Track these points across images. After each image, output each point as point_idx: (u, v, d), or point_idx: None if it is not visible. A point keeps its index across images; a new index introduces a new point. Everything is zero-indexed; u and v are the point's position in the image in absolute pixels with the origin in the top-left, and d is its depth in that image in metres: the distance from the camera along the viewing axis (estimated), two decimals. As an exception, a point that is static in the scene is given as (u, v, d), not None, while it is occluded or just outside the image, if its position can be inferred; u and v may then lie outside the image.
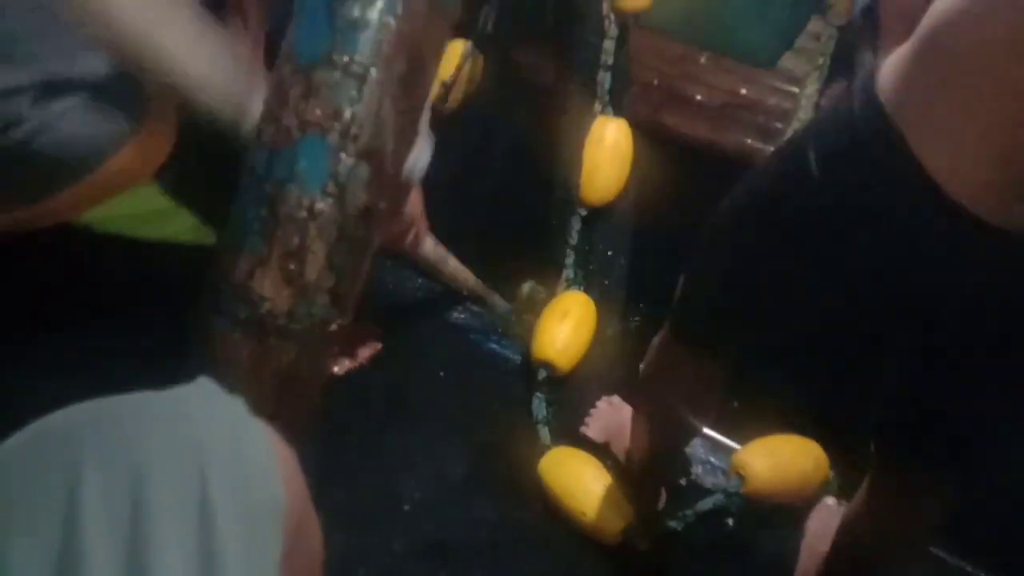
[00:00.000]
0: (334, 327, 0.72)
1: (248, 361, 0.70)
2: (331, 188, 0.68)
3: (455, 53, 1.57)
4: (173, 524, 0.39)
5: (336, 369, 1.40)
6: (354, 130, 0.67)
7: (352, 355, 1.45)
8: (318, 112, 0.66)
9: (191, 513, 0.40)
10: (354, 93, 0.66)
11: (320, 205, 0.67)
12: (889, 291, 0.80)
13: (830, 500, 1.45)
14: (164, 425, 0.42)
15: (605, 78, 1.48)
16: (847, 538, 1.13)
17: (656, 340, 1.15)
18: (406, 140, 0.71)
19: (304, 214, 0.67)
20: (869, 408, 0.97)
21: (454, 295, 1.62)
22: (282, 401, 0.72)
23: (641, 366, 1.21)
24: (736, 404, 1.49)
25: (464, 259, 1.68)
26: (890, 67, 0.73)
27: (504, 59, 1.61)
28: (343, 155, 0.67)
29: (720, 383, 1.13)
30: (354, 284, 0.73)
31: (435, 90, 1.56)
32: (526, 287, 1.64)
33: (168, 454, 0.41)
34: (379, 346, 1.49)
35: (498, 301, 1.61)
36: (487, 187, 1.65)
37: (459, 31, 1.54)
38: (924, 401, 0.89)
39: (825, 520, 1.42)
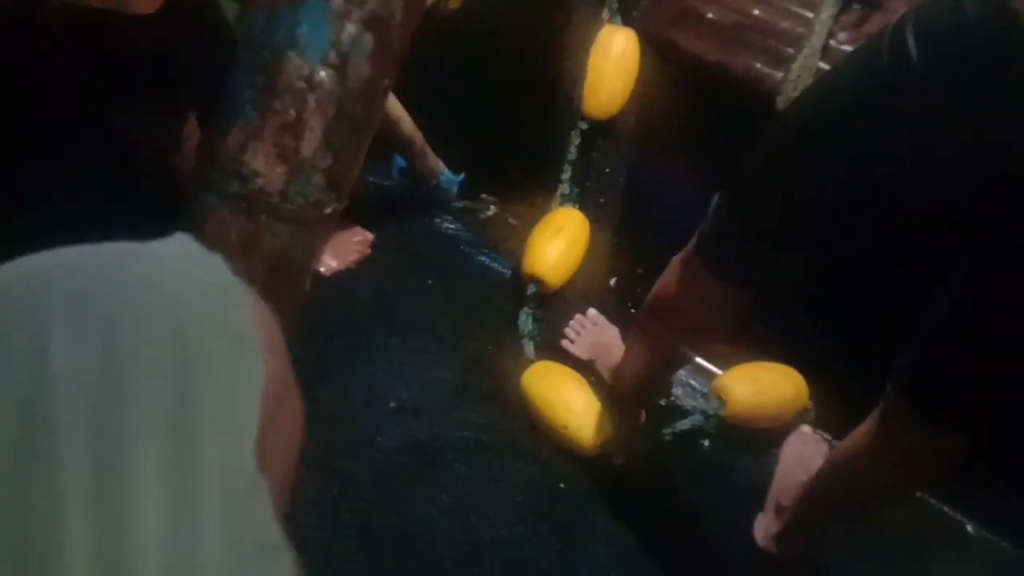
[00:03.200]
0: (328, 211, 0.69)
1: (237, 240, 0.67)
2: (333, 58, 0.63)
3: (458, -53, 1.49)
4: (147, 384, 0.37)
5: (323, 270, 1.37)
6: (360, -4, 0.63)
7: (341, 257, 1.43)
8: (327, -27, 0.62)
9: (165, 374, 0.37)
10: (362, -45, 0.62)
11: (320, 75, 0.63)
12: (993, 184, 0.75)
13: (806, 428, 1.47)
14: (139, 278, 0.39)
15: (614, -15, 1.42)
16: (835, 477, 1.12)
17: (676, 261, 1.06)
18: (414, 11, 0.67)
19: (303, 84, 0.63)
20: (885, 354, 0.94)
21: (445, 201, 1.59)
22: (270, 285, 0.70)
23: (657, 282, 1.14)
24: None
25: (460, 167, 1.64)
26: None
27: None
28: (347, 22, 0.63)
29: (739, 313, 1.05)
30: (351, 167, 0.70)
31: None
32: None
33: (143, 309, 0.38)
34: (368, 251, 1.47)
35: (439, 163, 1.56)
36: (489, 95, 1.60)
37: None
38: (965, 347, 0.85)
39: (800, 448, 1.45)
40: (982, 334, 0.85)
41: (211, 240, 0.69)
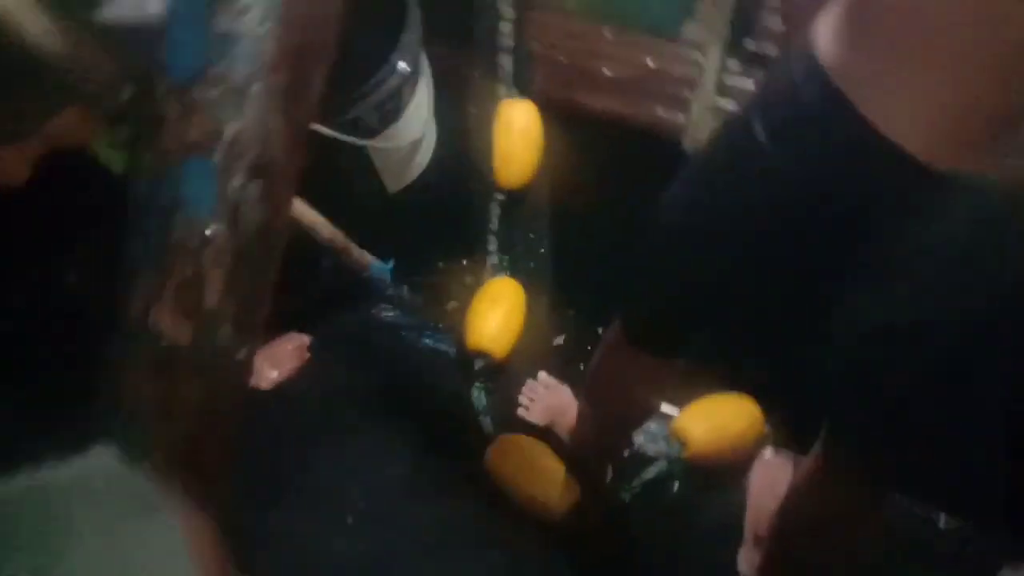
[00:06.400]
0: (242, 355, 0.69)
1: (155, 401, 0.66)
2: (222, 211, 0.64)
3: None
4: None
5: (263, 384, 1.35)
6: (239, 148, 0.63)
7: (279, 367, 1.41)
8: (199, 132, 0.63)
9: None
10: (236, 109, 0.63)
11: (212, 230, 0.64)
12: (851, 254, 0.79)
13: (768, 453, 1.49)
14: (65, 519, 0.41)
15: (506, 61, 1.47)
16: (796, 506, 1.14)
17: (607, 339, 1.12)
18: (298, 151, 0.68)
19: (196, 241, 0.64)
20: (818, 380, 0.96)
21: (379, 291, 1.59)
22: (198, 438, 0.69)
23: (591, 363, 1.18)
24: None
25: (388, 255, 1.65)
26: (827, 27, 0.72)
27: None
28: (231, 175, 0.63)
29: (677, 373, 1.12)
30: (259, 308, 0.70)
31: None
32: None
33: (71, 553, 0.40)
34: (306, 355, 1.45)
35: (366, 255, 1.57)
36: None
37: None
38: (876, 380, 0.87)
39: (767, 475, 1.46)
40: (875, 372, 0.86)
41: (130, 405, 0.68)
